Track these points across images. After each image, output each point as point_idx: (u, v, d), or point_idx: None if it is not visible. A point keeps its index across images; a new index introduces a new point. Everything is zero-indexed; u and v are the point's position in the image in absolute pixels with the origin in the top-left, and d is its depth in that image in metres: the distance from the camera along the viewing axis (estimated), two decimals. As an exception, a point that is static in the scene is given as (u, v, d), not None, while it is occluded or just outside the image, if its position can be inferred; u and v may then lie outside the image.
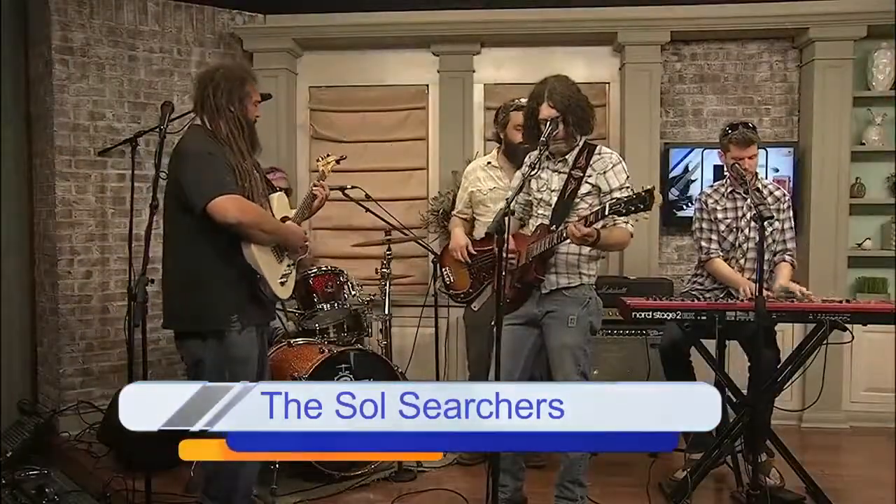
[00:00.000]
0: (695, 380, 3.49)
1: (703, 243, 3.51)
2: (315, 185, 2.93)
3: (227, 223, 2.39)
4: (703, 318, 3.10)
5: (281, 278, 2.66)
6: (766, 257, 3.36)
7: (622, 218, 2.71)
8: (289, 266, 2.72)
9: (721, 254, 3.47)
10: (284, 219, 2.72)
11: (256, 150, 2.68)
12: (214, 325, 2.51)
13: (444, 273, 3.74)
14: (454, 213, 3.82)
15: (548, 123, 2.75)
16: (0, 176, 4.31)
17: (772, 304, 3.08)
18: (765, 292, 2.85)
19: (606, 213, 2.61)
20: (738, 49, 4.72)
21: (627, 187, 2.78)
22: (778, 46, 4.70)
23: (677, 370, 3.49)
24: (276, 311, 3.31)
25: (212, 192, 2.39)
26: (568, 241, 2.70)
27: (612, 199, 2.66)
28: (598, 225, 2.71)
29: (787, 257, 3.42)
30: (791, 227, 3.44)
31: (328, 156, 3.15)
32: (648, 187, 2.52)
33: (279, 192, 2.77)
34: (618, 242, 2.89)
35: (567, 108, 2.76)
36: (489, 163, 3.71)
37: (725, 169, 3.50)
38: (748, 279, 3.30)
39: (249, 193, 2.50)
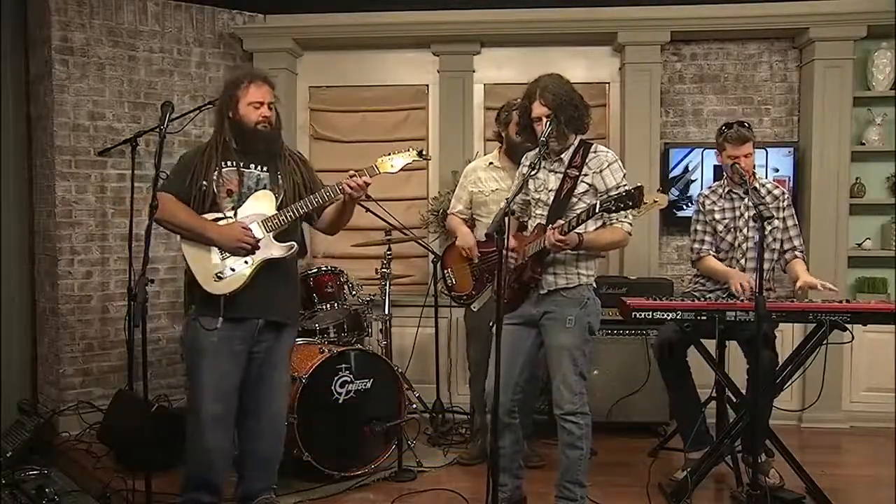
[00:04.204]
0: (690, 379, 3.50)
1: (696, 245, 3.52)
2: (346, 181, 2.73)
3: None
4: (704, 318, 3.10)
5: (218, 272, 2.72)
6: (768, 256, 3.38)
7: (615, 215, 2.73)
8: (239, 264, 2.73)
9: (711, 252, 3.47)
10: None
11: (247, 147, 2.81)
12: (187, 310, 2.83)
13: (447, 274, 3.72)
14: (452, 212, 3.76)
15: (546, 123, 2.75)
16: (0, 176, 4.31)
17: (772, 304, 3.09)
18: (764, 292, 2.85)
19: (597, 210, 2.64)
20: (738, 49, 4.73)
21: (624, 185, 2.78)
22: (778, 46, 4.71)
23: (671, 369, 3.50)
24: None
25: (160, 188, 2.68)
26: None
27: (603, 197, 2.68)
28: (590, 227, 2.74)
29: (797, 254, 3.42)
30: (795, 225, 3.44)
31: (409, 149, 2.79)
32: (639, 184, 2.59)
33: (264, 191, 2.81)
34: (611, 242, 2.90)
35: (559, 106, 2.76)
36: (491, 163, 3.66)
37: (724, 169, 3.50)
38: (748, 279, 3.29)
39: (201, 192, 2.72)
